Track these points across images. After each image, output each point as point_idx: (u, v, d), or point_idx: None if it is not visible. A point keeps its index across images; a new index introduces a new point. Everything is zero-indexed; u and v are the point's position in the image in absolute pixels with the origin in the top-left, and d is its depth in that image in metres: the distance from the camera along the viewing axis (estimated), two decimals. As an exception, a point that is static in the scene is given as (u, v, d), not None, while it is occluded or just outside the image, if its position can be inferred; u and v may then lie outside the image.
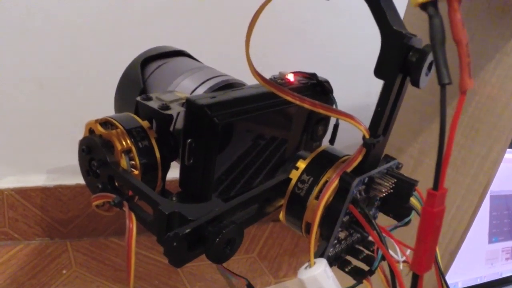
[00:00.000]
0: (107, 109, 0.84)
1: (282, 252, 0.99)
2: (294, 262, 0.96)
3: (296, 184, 0.39)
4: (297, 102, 0.38)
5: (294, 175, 0.39)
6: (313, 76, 0.49)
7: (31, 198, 0.84)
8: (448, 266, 0.71)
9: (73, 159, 0.86)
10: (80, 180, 0.87)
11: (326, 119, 0.51)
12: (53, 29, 0.76)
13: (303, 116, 0.48)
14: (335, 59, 1.01)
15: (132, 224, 0.35)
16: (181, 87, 0.46)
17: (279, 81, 0.47)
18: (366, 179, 0.37)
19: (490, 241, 0.94)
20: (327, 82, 0.49)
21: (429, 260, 0.27)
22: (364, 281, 0.39)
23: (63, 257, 0.84)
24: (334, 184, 0.36)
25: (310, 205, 0.38)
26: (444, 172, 0.25)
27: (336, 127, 0.51)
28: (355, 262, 0.40)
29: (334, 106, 0.50)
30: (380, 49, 0.35)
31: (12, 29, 0.75)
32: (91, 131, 0.40)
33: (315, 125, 0.50)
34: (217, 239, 0.32)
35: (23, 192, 0.83)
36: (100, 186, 0.39)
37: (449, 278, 0.85)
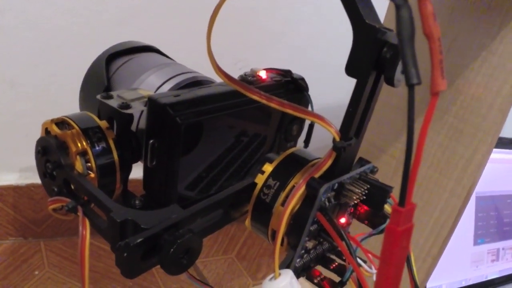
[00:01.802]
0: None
1: (262, 253, 0.97)
2: (273, 263, 0.94)
3: (261, 190, 0.36)
4: (264, 102, 0.36)
5: (260, 179, 0.37)
6: (287, 73, 0.47)
7: (3, 197, 0.81)
8: (430, 271, 0.69)
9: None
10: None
11: (301, 119, 0.49)
12: (25, 27, 0.73)
13: (277, 115, 0.46)
14: (317, 59, 0.99)
15: (85, 231, 0.33)
16: (146, 84, 0.44)
17: (250, 79, 0.44)
18: (336, 185, 0.35)
19: (476, 243, 0.93)
20: (302, 79, 0.47)
21: (395, 284, 0.24)
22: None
23: (36, 257, 0.82)
24: (301, 190, 0.34)
25: (276, 212, 0.36)
26: (412, 186, 0.23)
27: (311, 126, 0.49)
28: (326, 273, 0.38)
29: (309, 105, 0.48)
30: (352, 44, 0.32)
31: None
32: (47, 131, 0.38)
33: (289, 124, 0.48)
34: (172, 249, 0.30)
35: (-6, 191, 0.81)
36: (55, 189, 0.37)
37: (433, 280, 0.83)
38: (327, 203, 0.35)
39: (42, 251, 0.84)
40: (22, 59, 0.76)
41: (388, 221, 0.38)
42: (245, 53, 0.87)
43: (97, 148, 0.36)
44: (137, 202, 0.40)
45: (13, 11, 0.72)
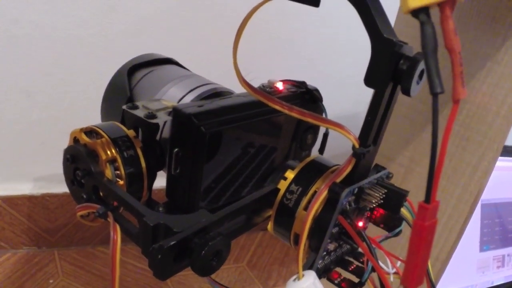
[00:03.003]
0: (95, 118, 0.83)
1: (272, 261, 0.98)
2: (284, 271, 0.95)
3: (284, 195, 0.38)
4: (286, 111, 0.37)
5: (283, 185, 0.38)
6: (302, 84, 0.49)
7: (17, 206, 0.82)
8: (439, 275, 0.71)
9: (60, 167, 0.85)
10: (67, 188, 0.86)
11: (315, 128, 0.51)
12: (41, 37, 0.75)
13: (292, 124, 0.48)
14: (324, 69, 1.01)
15: (117, 236, 0.34)
16: (168, 95, 0.45)
17: (268, 90, 0.46)
18: (356, 189, 0.37)
19: (481, 250, 0.94)
20: (317, 90, 0.49)
21: (421, 274, 0.26)
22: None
23: (50, 266, 0.83)
24: (323, 195, 0.35)
25: (299, 216, 0.37)
26: (436, 184, 0.25)
27: (325, 136, 0.51)
28: (345, 274, 0.39)
29: (323, 115, 0.49)
30: (370, 57, 0.34)
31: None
32: (75, 140, 0.39)
33: (304, 133, 0.50)
34: (203, 251, 0.31)
35: (10, 201, 0.82)
36: (84, 196, 0.39)
37: (441, 286, 0.84)
38: (347, 207, 0.36)
39: (56, 260, 0.85)
40: (37, 69, 0.77)
41: (403, 224, 0.40)
42: (254, 64, 0.89)
43: (125, 156, 0.37)
44: (160, 209, 0.42)
45: (28, 21, 0.74)
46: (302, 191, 0.37)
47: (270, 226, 0.39)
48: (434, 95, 0.24)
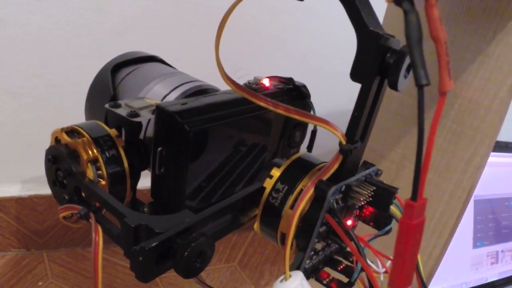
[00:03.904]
0: (83, 119, 0.83)
1: (264, 260, 0.97)
2: (275, 270, 0.94)
3: (270, 193, 0.37)
4: (271, 108, 0.37)
5: (268, 183, 0.37)
6: (289, 80, 0.48)
7: (5, 208, 0.81)
8: (432, 273, 0.70)
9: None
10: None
11: (304, 125, 0.50)
12: (27, 38, 0.74)
13: (280, 122, 0.47)
14: (317, 65, 1.00)
15: (98, 237, 0.33)
16: (152, 93, 0.44)
17: (253, 86, 0.45)
18: (343, 187, 0.36)
19: (475, 246, 0.93)
20: (304, 86, 0.48)
21: (409, 275, 0.25)
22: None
23: (39, 268, 0.82)
24: (309, 192, 0.35)
25: (285, 215, 0.36)
26: (423, 181, 0.24)
27: (314, 133, 0.50)
28: (334, 274, 0.39)
29: (311, 112, 0.49)
30: (356, 50, 0.33)
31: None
32: (57, 140, 0.38)
33: (292, 131, 0.49)
34: (186, 252, 0.31)
35: (-3, 203, 0.81)
36: (66, 197, 0.38)
37: (434, 284, 0.84)
38: (335, 205, 0.35)
39: (45, 262, 0.84)
40: (24, 70, 0.76)
41: (393, 222, 0.39)
42: (245, 62, 0.88)
43: (107, 155, 0.37)
44: (145, 209, 0.41)
45: (14, 22, 0.73)
46: (288, 190, 0.37)
47: (256, 225, 0.39)
48: (419, 87, 0.24)
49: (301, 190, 0.36)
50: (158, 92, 0.44)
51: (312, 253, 0.37)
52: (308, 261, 0.37)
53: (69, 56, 0.78)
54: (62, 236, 0.87)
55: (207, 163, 0.42)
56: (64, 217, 0.39)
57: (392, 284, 0.25)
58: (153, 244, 0.30)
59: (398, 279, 0.25)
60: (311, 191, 0.34)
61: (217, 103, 0.41)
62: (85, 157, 0.36)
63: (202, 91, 0.45)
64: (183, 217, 0.33)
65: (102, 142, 0.37)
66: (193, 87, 0.44)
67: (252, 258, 0.97)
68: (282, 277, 0.34)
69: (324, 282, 0.38)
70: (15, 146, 0.81)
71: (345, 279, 0.37)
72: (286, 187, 0.37)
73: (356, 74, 0.33)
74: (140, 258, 0.30)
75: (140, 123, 0.38)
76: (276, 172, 0.38)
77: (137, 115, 0.38)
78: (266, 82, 0.46)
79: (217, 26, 0.34)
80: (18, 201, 0.82)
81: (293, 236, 0.35)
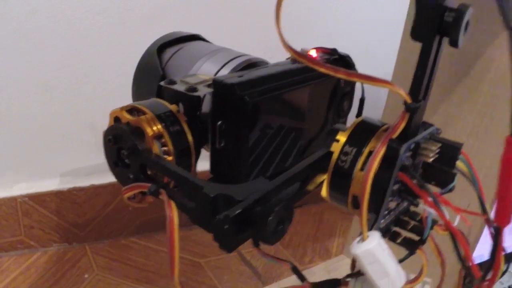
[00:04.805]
0: (116, 107, 0.83)
1: (306, 238, 0.97)
2: (318, 247, 0.94)
3: (339, 157, 0.37)
4: (331, 73, 0.36)
5: (336, 147, 0.37)
6: (334, 51, 0.48)
7: (45, 203, 0.82)
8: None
9: (86, 160, 0.85)
10: (94, 181, 0.86)
11: (351, 94, 0.50)
12: (58, 29, 0.74)
13: (328, 92, 0.47)
14: (342, 44, 1.00)
15: (173, 213, 0.33)
16: (202, 71, 0.44)
17: None
18: (413, 144, 0.36)
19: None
20: (348, 56, 0.48)
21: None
22: (418, 251, 0.37)
23: (83, 261, 0.82)
24: (381, 152, 0.34)
25: (356, 177, 0.36)
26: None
27: (362, 101, 0.50)
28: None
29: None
30: (415, 11, 0.33)
31: (13, 29, 0.73)
32: (116, 119, 0.38)
33: (340, 100, 0.49)
34: (269, 219, 0.30)
35: (37, 198, 0.81)
36: (131, 176, 0.37)
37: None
38: (406, 163, 0.35)
39: (89, 254, 0.84)
40: (55, 61, 0.76)
41: (456, 179, 0.39)
42: (275, 43, 0.88)
43: (172, 131, 0.36)
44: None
45: (45, 13, 0.73)
46: (357, 152, 0.36)
47: (324, 191, 0.38)
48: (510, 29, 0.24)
49: (370, 151, 0.36)
50: (208, 69, 0.44)
51: (386, 212, 0.36)
52: (382, 221, 0.36)
53: (101, 45, 0.78)
54: (103, 227, 0.88)
55: (263, 134, 0.42)
56: (129, 198, 0.38)
57: (497, 221, 0.25)
58: (237, 211, 0.30)
59: (503, 216, 0.24)
60: (383, 150, 0.34)
61: (271, 75, 0.41)
62: (150, 133, 0.35)
63: (253, 64, 0.44)
64: (258, 185, 0.33)
65: (165, 117, 0.36)
66: (243, 61, 0.44)
67: (294, 237, 0.97)
68: (358, 238, 0.34)
69: (398, 241, 0.38)
70: (50, 138, 0.81)
71: (415, 238, 0.38)
72: (354, 150, 0.36)
73: (416, 33, 0.34)
74: (226, 226, 0.29)
75: (199, 97, 0.38)
76: (342, 136, 0.37)
77: (195, 89, 0.38)
78: (313, 53, 0.47)
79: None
80: (58, 194, 0.82)
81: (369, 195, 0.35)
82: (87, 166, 0.84)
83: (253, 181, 0.34)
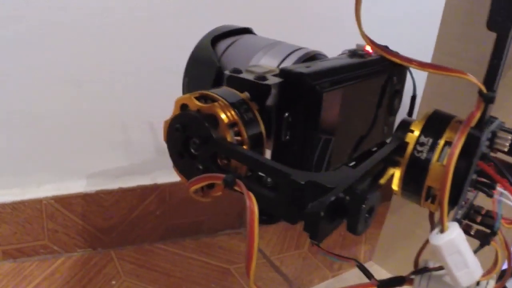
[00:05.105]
0: (147, 106, 0.81)
1: (332, 245, 0.96)
2: (345, 253, 0.93)
3: (414, 147, 0.36)
4: (405, 63, 0.38)
5: (411, 138, 0.37)
6: (386, 47, 0.48)
7: (71, 206, 0.80)
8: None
9: (114, 161, 0.83)
10: (122, 183, 0.84)
11: (401, 92, 0.50)
12: (89, 24, 0.73)
13: (381, 88, 0.46)
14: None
15: (253, 204, 0.32)
16: (262, 64, 0.43)
17: (360, 52, 0.45)
18: (490, 134, 0.35)
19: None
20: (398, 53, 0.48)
21: None
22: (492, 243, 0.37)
23: (109, 267, 0.80)
24: (461, 141, 0.34)
25: (433, 167, 0.35)
26: None
27: (413, 98, 0.50)
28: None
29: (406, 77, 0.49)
30: (491, 2, 0.34)
31: (45, 23, 0.71)
32: (183, 107, 0.37)
33: (392, 97, 0.48)
34: (362, 207, 0.29)
35: (63, 200, 0.79)
36: (201, 167, 0.36)
37: None
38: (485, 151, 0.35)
39: (115, 260, 0.82)
40: (86, 58, 0.75)
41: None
42: (300, 39, 0.88)
43: (246, 119, 0.35)
44: (268, 180, 0.39)
45: (76, 8, 0.72)
46: (433, 142, 0.36)
47: (396, 183, 0.38)
48: None
49: (446, 141, 0.35)
50: (268, 62, 0.43)
51: (463, 203, 0.36)
52: (460, 211, 0.36)
53: (132, 42, 0.77)
54: (128, 232, 0.86)
55: (328, 128, 0.41)
56: (195, 191, 0.37)
57: None
58: (332, 199, 0.29)
59: None
60: (462, 139, 0.34)
61: (337, 67, 0.40)
62: (225, 120, 0.34)
63: (313, 57, 0.44)
64: (344, 173, 0.32)
65: (238, 105, 0.35)
66: (305, 54, 0.43)
67: (321, 244, 0.94)
68: (437, 230, 0.34)
69: (472, 233, 0.38)
70: (78, 138, 0.80)
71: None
72: (430, 140, 0.36)
73: (492, 23, 0.34)
74: (322, 214, 0.28)
75: (269, 86, 0.37)
76: (416, 127, 0.37)
77: (265, 78, 0.37)
78: (368, 49, 0.46)
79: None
80: (85, 197, 0.80)
81: (437, 189, 0.35)
82: (116, 168, 0.82)
83: (339, 170, 0.33)
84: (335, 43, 0.94)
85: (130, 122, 0.79)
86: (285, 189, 0.31)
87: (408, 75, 0.49)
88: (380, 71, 0.45)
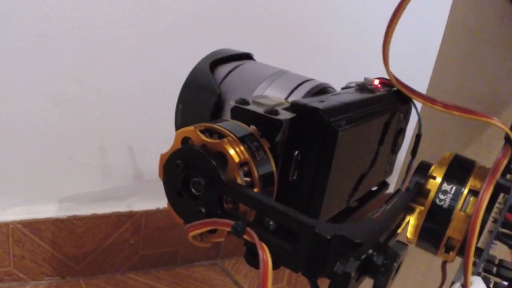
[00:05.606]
0: (130, 129, 0.77)
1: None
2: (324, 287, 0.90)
3: (436, 195, 0.34)
4: (428, 104, 0.36)
5: (433, 185, 0.34)
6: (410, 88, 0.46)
7: (40, 231, 0.74)
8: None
9: (89, 185, 0.79)
10: (96, 209, 0.79)
11: (404, 130, 0.48)
12: (73, 37, 0.69)
13: (385, 126, 0.44)
14: (356, 75, 1.00)
15: (267, 256, 0.28)
16: (269, 95, 0.40)
17: (369, 87, 0.43)
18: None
19: None
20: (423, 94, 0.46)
21: None
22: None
23: (77, 297, 0.75)
24: (489, 191, 0.32)
25: (456, 217, 0.33)
26: None
27: (418, 137, 0.47)
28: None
29: (410, 113, 0.47)
30: None
31: (23, 33, 0.67)
32: (185, 141, 0.33)
33: (396, 135, 0.46)
34: (394, 264, 0.26)
35: (32, 225, 0.74)
36: (203, 210, 0.32)
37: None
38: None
39: (83, 290, 0.77)
40: (67, 73, 0.71)
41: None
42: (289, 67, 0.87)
43: (258, 158, 0.32)
44: (271, 222, 0.36)
45: (60, 19, 0.68)
46: (456, 190, 0.34)
47: (412, 232, 0.35)
48: None
49: (470, 190, 0.33)
50: (275, 93, 0.40)
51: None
52: (482, 265, 0.34)
53: (118, 59, 0.73)
54: (101, 261, 0.81)
55: (339, 169, 0.38)
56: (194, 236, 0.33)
57: None
58: (363, 257, 0.26)
59: None
60: (490, 190, 0.32)
61: (350, 103, 0.38)
62: (236, 159, 0.31)
63: (323, 90, 0.41)
64: (369, 225, 0.29)
65: (248, 142, 0.32)
66: (314, 87, 0.40)
67: (300, 277, 0.92)
68: (458, 284, 0.31)
69: (490, 285, 0.35)
70: (53, 160, 0.75)
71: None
72: (454, 188, 0.34)
73: None
74: (353, 274, 0.25)
75: (281, 121, 0.34)
76: (438, 173, 0.34)
77: (276, 112, 0.34)
78: (376, 83, 0.44)
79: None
80: (55, 223, 0.75)
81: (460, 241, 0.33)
82: (90, 192, 0.77)
83: (362, 221, 0.30)
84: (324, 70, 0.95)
85: (109, 145, 0.75)
86: (306, 242, 0.28)
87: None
88: (389, 108, 0.43)
